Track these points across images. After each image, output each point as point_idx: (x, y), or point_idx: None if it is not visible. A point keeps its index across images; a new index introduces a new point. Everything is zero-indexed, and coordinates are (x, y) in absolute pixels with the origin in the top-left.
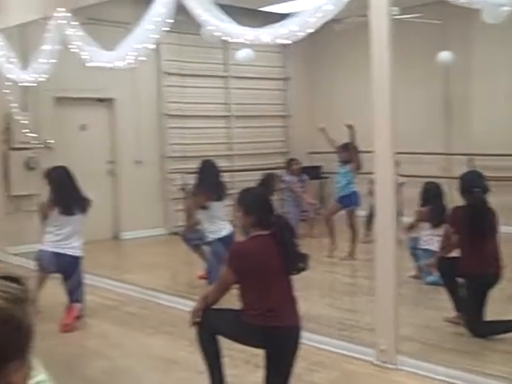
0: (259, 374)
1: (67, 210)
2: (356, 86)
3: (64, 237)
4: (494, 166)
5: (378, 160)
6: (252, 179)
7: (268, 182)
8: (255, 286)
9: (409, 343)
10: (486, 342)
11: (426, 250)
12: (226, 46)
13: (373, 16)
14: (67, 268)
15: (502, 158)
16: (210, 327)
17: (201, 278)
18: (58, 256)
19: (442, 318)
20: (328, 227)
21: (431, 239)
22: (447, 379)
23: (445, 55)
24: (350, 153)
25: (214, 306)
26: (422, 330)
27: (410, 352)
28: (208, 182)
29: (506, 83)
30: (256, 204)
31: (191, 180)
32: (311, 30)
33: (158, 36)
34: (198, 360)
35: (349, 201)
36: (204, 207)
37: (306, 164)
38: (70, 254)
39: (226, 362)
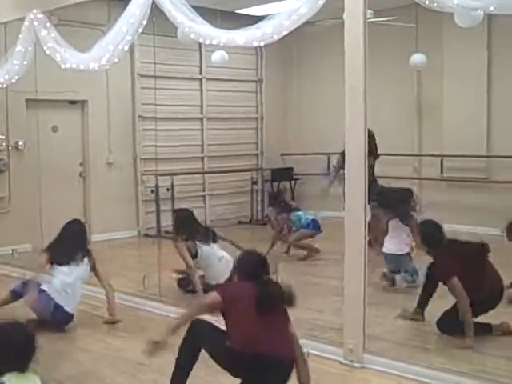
0: (228, 375)
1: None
2: (328, 87)
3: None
4: (464, 167)
5: (349, 160)
6: (224, 181)
7: None
8: (239, 313)
9: (376, 342)
10: (452, 339)
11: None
12: (200, 49)
13: (348, 19)
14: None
15: (471, 159)
16: (198, 340)
17: None
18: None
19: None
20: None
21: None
22: (413, 376)
23: (417, 58)
24: None
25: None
26: (389, 329)
27: (377, 351)
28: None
29: (475, 86)
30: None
31: (164, 182)
32: (286, 33)
33: (133, 38)
34: (165, 362)
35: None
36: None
37: (278, 166)
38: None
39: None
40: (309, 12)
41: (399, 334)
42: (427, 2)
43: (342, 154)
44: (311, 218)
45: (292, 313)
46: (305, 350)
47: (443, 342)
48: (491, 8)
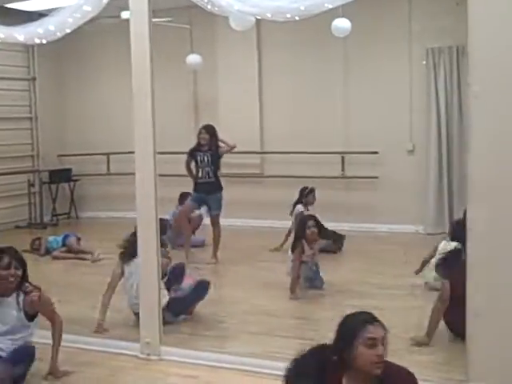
0: None
1: None
2: (107, 86)
3: None
4: (241, 164)
5: (139, 160)
6: None
7: None
8: None
9: (173, 335)
10: (240, 326)
11: None
12: None
13: (133, 18)
14: None
15: (247, 155)
16: None
17: None
18: None
19: None
20: None
21: None
22: (206, 362)
23: (192, 58)
24: None
25: None
26: (186, 322)
27: (173, 342)
28: None
29: (248, 85)
30: None
31: None
32: (69, 31)
33: None
34: None
35: None
36: None
37: (56, 167)
38: None
39: None
40: (93, 10)
41: (196, 325)
42: (209, 7)
43: None
44: None
45: (87, 313)
46: None
47: (232, 329)
48: (268, 14)
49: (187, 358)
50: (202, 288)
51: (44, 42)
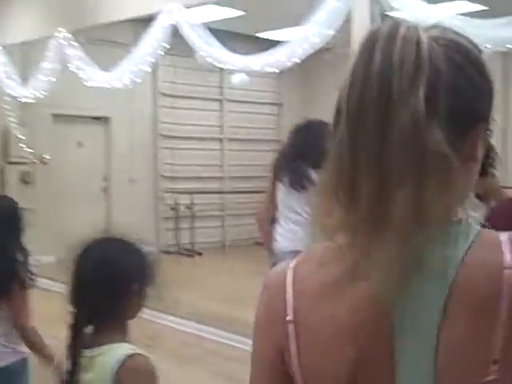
0: None
1: None
2: None
3: None
4: None
5: None
6: (242, 201)
7: None
8: None
9: None
10: None
11: None
12: (221, 70)
13: (353, 48)
14: None
15: None
16: None
17: None
18: None
19: None
20: None
21: None
22: None
23: None
24: None
25: None
26: None
27: None
28: None
29: None
30: None
31: (182, 200)
32: (297, 60)
33: (154, 59)
34: None
35: None
36: None
37: None
38: None
39: None
40: (319, 42)
41: None
42: None
43: None
44: None
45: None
46: None
47: None
48: (488, 46)
49: None
50: None
51: (276, 70)
